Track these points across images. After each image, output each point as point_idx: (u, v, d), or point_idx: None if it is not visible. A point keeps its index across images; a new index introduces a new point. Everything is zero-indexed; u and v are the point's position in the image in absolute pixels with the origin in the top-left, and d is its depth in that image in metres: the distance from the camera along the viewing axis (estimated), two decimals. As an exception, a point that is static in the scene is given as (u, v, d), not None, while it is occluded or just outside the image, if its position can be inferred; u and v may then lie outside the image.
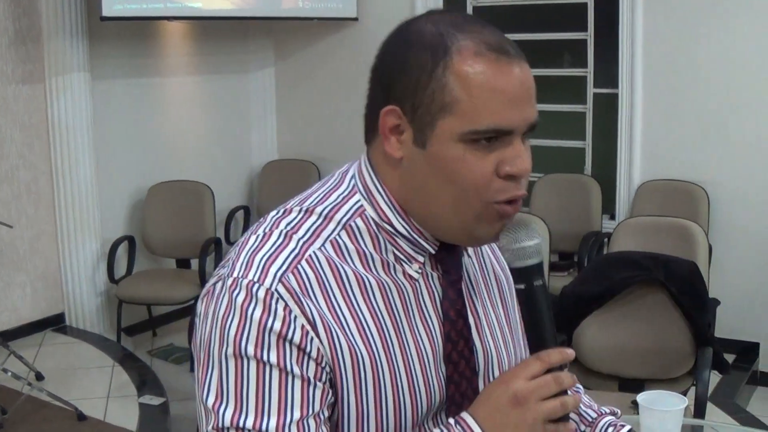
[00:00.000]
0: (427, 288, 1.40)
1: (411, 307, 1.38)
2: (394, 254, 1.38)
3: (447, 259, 1.42)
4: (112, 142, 6.40)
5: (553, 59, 6.63)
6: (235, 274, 1.30)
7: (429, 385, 1.37)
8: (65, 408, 4.73)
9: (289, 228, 1.34)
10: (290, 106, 7.65)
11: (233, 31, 7.28)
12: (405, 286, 1.38)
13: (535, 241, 1.36)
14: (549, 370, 1.30)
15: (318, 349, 1.27)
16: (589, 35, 6.35)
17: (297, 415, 1.25)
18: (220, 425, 1.25)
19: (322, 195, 1.40)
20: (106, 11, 5.61)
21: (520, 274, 1.36)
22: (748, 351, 5.70)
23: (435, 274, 1.41)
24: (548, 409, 1.26)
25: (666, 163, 5.97)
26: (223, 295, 1.29)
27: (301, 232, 1.34)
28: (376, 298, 1.34)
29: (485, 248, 1.56)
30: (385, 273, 1.36)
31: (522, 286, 1.36)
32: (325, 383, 1.29)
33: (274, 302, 1.26)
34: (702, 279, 4.00)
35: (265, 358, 1.25)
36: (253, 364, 1.25)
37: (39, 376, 5.22)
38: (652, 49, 5.93)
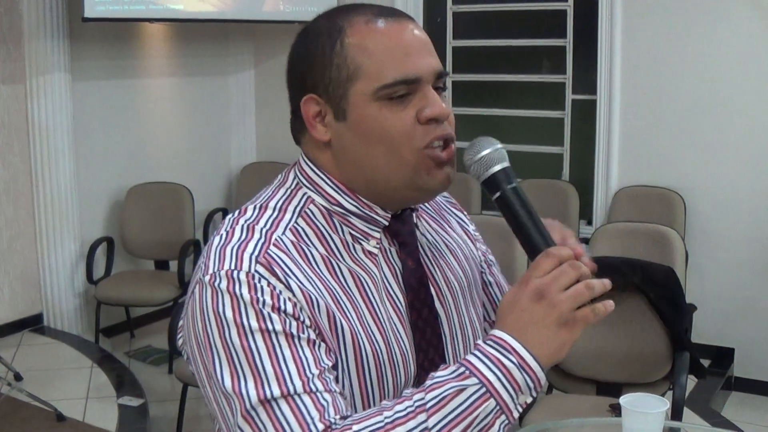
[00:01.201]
0: (387, 262, 1.46)
1: (378, 283, 1.43)
2: (351, 234, 1.44)
3: (401, 230, 1.49)
4: (92, 143, 6.39)
5: (532, 65, 6.67)
6: (211, 271, 1.33)
7: (404, 354, 1.43)
8: (44, 408, 4.71)
9: (249, 222, 1.40)
10: (269, 108, 7.66)
11: (214, 33, 7.28)
12: (370, 267, 1.44)
13: (493, 147, 1.39)
14: None
15: (308, 317, 1.32)
16: (568, 42, 6.39)
17: (315, 371, 1.28)
18: (247, 406, 1.26)
19: (270, 192, 1.47)
20: (88, 12, 5.60)
21: (490, 184, 1.39)
22: (723, 356, 5.76)
23: (393, 249, 1.48)
24: (572, 294, 1.25)
25: (643, 170, 6.02)
26: (206, 291, 1.32)
27: (261, 223, 1.39)
28: (347, 281, 1.40)
29: (433, 226, 1.61)
30: (350, 257, 1.42)
31: (497, 195, 1.38)
32: (324, 343, 1.33)
33: (256, 281, 1.30)
34: (679, 284, 4.04)
35: (269, 327, 1.28)
36: (258, 336, 1.28)
37: (18, 377, 5.21)
38: (631, 57, 5.98)
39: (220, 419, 1.31)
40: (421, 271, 1.49)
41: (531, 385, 1.23)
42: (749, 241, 5.66)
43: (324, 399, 1.26)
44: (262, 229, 1.38)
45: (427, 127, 1.38)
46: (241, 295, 1.29)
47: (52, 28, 5.88)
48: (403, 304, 1.45)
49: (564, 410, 3.82)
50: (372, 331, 1.39)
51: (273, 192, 1.47)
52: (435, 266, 1.54)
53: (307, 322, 1.32)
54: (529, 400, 1.24)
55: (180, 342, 1.43)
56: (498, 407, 1.22)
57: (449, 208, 1.68)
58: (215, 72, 7.45)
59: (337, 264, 1.40)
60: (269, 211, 1.42)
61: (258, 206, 1.43)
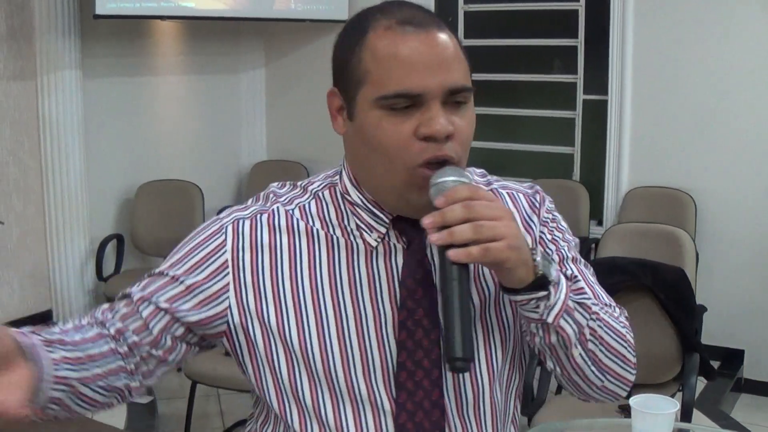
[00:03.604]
0: (385, 255, 1.47)
1: (357, 280, 1.45)
2: (356, 223, 1.47)
3: (409, 230, 1.47)
4: (103, 140, 6.40)
5: (544, 65, 6.66)
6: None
7: (366, 348, 1.45)
8: (53, 405, 4.72)
9: (274, 194, 1.54)
10: (280, 107, 7.66)
11: (225, 31, 7.28)
12: (357, 246, 1.46)
13: (451, 177, 1.36)
14: None
15: (225, 284, 1.46)
16: (580, 42, 6.38)
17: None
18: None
19: (317, 177, 1.56)
20: (100, 9, 5.60)
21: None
22: (733, 358, 5.74)
23: (399, 246, 1.47)
24: None
25: (654, 170, 6.00)
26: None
27: (281, 199, 1.52)
28: (322, 274, 1.46)
29: None
30: (343, 236, 1.47)
31: None
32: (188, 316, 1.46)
33: (218, 233, 1.49)
34: (689, 285, 4.03)
35: (168, 266, 1.50)
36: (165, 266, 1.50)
37: (26, 373, 5.21)
38: (642, 57, 5.97)
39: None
40: (422, 272, 1.46)
41: None
42: (760, 242, 5.64)
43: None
44: (275, 202, 1.51)
45: (425, 144, 1.37)
46: (201, 227, 1.52)
47: (63, 26, 5.88)
48: (388, 299, 1.46)
49: (573, 411, 3.81)
50: (327, 326, 1.44)
51: (319, 177, 1.56)
52: None
53: (215, 288, 1.46)
54: None
55: None
56: None
57: (528, 209, 1.59)
58: (226, 70, 7.45)
59: (318, 256, 1.47)
60: (297, 190, 1.54)
61: (297, 185, 1.55)
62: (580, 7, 6.33)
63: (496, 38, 6.79)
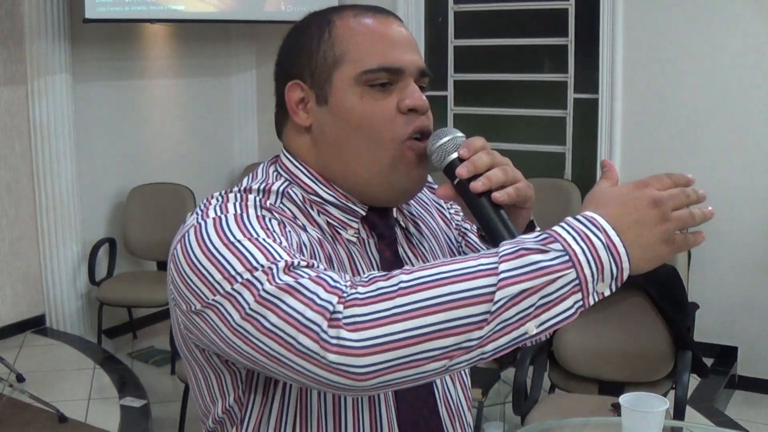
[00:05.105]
0: (363, 254, 1.46)
1: (347, 271, 1.42)
2: (328, 222, 1.44)
3: (379, 222, 1.48)
4: (94, 144, 6.39)
5: (534, 64, 6.66)
6: (212, 215, 1.31)
7: None
8: (46, 410, 4.71)
9: (240, 195, 1.38)
10: (271, 109, 7.57)
11: (216, 34, 7.28)
12: (342, 256, 1.43)
13: (450, 136, 1.40)
14: None
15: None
16: (570, 41, 6.38)
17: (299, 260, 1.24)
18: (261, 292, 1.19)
19: (251, 181, 1.46)
20: (89, 13, 5.60)
21: (448, 172, 1.39)
22: (726, 355, 5.75)
23: (371, 241, 1.48)
24: (680, 216, 1.20)
25: (645, 168, 5.96)
26: (207, 225, 1.28)
27: (250, 199, 1.38)
28: (322, 259, 1.39)
29: (416, 209, 1.61)
30: (329, 241, 1.42)
31: (456, 181, 1.38)
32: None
33: (266, 221, 1.31)
34: (681, 283, 4.04)
35: (272, 233, 1.29)
36: (262, 236, 1.27)
37: (20, 378, 5.20)
38: (632, 55, 5.97)
39: (209, 335, 1.26)
40: (399, 263, 1.47)
41: (614, 272, 1.14)
42: (752, 239, 5.65)
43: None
44: (255, 198, 1.38)
45: (408, 117, 1.40)
46: (249, 220, 1.29)
47: (54, 30, 5.88)
48: None
49: (566, 409, 3.82)
50: None
51: (253, 181, 1.46)
52: (418, 255, 1.54)
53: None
54: (607, 292, 1.14)
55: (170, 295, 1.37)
56: (577, 281, 1.12)
57: (427, 194, 1.68)
58: (217, 72, 7.45)
59: (319, 242, 1.40)
60: (253, 193, 1.40)
61: (242, 189, 1.41)
62: (570, 6, 6.33)
63: (486, 38, 6.79)
